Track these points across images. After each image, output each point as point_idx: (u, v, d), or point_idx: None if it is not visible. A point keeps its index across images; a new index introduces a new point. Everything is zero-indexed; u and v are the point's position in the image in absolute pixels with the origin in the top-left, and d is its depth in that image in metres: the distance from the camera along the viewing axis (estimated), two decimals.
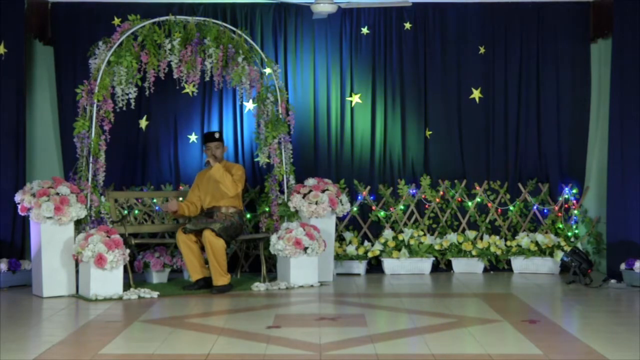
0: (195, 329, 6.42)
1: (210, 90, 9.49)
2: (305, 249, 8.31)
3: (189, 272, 8.36)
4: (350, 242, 9.50)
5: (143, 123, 9.63)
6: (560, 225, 9.65)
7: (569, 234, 9.57)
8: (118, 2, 9.50)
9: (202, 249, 8.25)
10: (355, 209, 9.65)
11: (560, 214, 9.71)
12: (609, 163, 8.97)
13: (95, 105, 8.06)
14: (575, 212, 9.69)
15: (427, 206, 9.76)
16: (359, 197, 9.70)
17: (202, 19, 8.59)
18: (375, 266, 9.53)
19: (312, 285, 8.43)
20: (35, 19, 9.22)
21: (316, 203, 8.66)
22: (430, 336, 6.12)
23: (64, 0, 9.51)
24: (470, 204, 9.76)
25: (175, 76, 8.41)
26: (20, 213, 7.88)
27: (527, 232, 9.64)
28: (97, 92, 8.04)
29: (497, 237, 9.55)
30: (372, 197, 9.77)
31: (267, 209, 8.97)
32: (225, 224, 8.23)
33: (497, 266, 9.55)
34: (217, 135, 8.48)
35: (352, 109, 9.86)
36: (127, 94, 8.19)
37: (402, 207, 9.72)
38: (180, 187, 9.44)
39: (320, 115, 9.83)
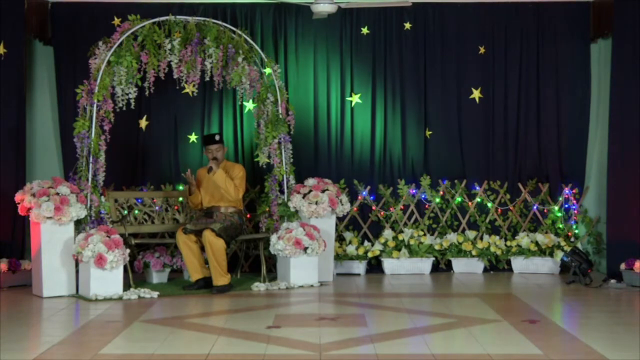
0: (195, 329, 6.42)
1: (210, 90, 9.49)
2: (305, 249, 8.31)
3: (189, 272, 8.36)
4: (350, 242, 9.50)
5: (143, 123, 9.63)
6: (560, 225, 9.65)
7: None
8: (118, 2, 9.50)
9: (202, 249, 8.25)
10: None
11: (560, 214, 9.71)
12: (609, 163, 8.97)
13: (95, 105, 8.06)
14: (576, 212, 9.70)
15: (427, 206, 9.77)
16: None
17: (202, 19, 8.59)
18: (375, 266, 9.53)
19: (312, 285, 8.43)
20: (35, 19, 9.22)
21: (316, 203, 8.66)
22: (430, 336, 6.12)
23: (64, 0, 9.52)
24: (470, 204, 9.77)
25: (175, 76, 8.41)
26: (20, 213, 7.88)
27: (527, 232, 9.64)
28: (97, 92, 8.04)
29: (497, 237, 9.56)
30: (372, 197, 9.77)
31: (267, 209, 8.97)
32: (225, 224, 8.23)
33: (497, 266, 9.55)
34: (217, 138, 8.47)
35: (352, 109, 9.87)
36: (127, 94, 8.19)
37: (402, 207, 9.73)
38: (180, 187, 9.43)
39: (320, 115, 9.84)
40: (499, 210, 9.79)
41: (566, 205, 9.73)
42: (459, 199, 9.75)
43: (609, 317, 6.92)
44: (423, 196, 9.74)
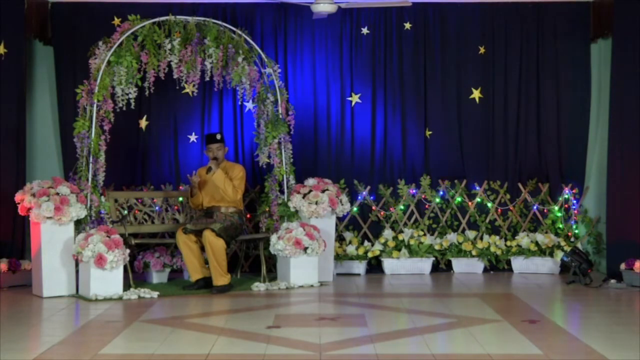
0: (195, 329, 6.42)
1: (210, 90, 9.49)
2: (305, 249, 8.31)
3: (189, 272, 8.36)
4: (350, 242, 9.50)
5: (143, 123, 9.64)
6: (560, 225, 9.65)
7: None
8: (118, 2, 9.50)
9: (202, 249, 8.25)
10: (355, 209, 9.65)
11: (560, 214, 9.71)
12: (609, 163, 8.97)
13: (95, 105, 8.05)
14: (576, 212, 9.71)
15: (427, 206, 9.77)
16: (359, 197, 9.70)
17: (202, 19, 8.59)
18: (375, 266, 9.53)
19: (312, 285, 8.43)
20: (35, 19, 9.22)
21: (316, 203, 8.66)
22: (430, 336, 6.12)
23: (64, 0, 9.52)
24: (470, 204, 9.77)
25: (175, 76, 8.40)
26: (20, 213, 7.87)
27: (527, 232, 9.64)
28: (97, 92, 8.04)
29: (497, 237, 9.55)
30: (372, 197, 9.78)
31: (267, 209, 8.97)
32: (225, 224, 8.23)
33: (497, 266, 9.55)
34: (218, 137, 8.48)
35: (352, 109, 9.87)
36: (127, 94, 8.18)
37: (402, 207, 9.72)
38: (181, 187, 9.44)
39: (320, 115, 9.84)
40: (499, 210, 9.79)
41: (566, 205, 9.73)
42: (459, 199, 9.75)
43: (609, 317, 6.92)
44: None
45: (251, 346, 5.79)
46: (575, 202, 9.72)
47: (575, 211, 9.70)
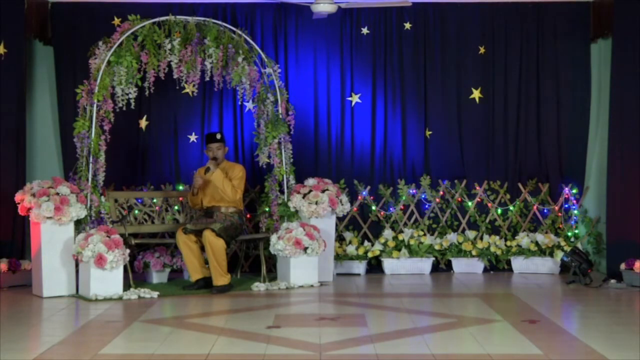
0: (195, 329, 6.42)
1: (210, 90, 9.49)
2: (305, 249, 8.31)
3: (189, 272, 8.36)
4: (350, 242, 9.50)
5: (143, 123, 9.64)
6: (560, 226, 9.65)
7: (569, 233, 9.58)
8: (118, 2, 9.50)
9: (202, 249, 8.25)
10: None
11: (560, 214, 9.71)
12: (609, 163, 8.97)
13: (95, 105, 8.05)
14: (575, 212, 9.70)
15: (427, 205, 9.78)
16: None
17: (202, 19, 8.59)
18: (375, 266, 9.53)
19: (312, 285, 8.43)
20: (35, 19, 9.22)
21: (316, 203, 8.66)
22: (430, 336, 6.12)
23: (64, 0, 9.52)
24: (470, 204, 9.76)
25: (175, 76, 8.40)
26: (20, 213, 7.87)
27: (527, 232, 9.64)
28: (97, 92, 8.04)
29: (497, 237, 9.55)
30: (372, 197, 9.78)
31: (267, 209, 8.96)
32: (225, 224, 8.23)
33: (497, 266, 9.55)
34: (218, 137, 8.48)
35: (352, 109, 9.87)
36: (127, 94, 8.18)
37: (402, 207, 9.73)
38: (180, 187, 9.44)
39: (320, 115, 9.84)
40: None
41: (566, 205, 9.73)
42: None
43: (609, 317, 6.92)
44: (423, 196, 9.75)
45: (251, 346, 5.79)
46: (575, 202, 9.72)
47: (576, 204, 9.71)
